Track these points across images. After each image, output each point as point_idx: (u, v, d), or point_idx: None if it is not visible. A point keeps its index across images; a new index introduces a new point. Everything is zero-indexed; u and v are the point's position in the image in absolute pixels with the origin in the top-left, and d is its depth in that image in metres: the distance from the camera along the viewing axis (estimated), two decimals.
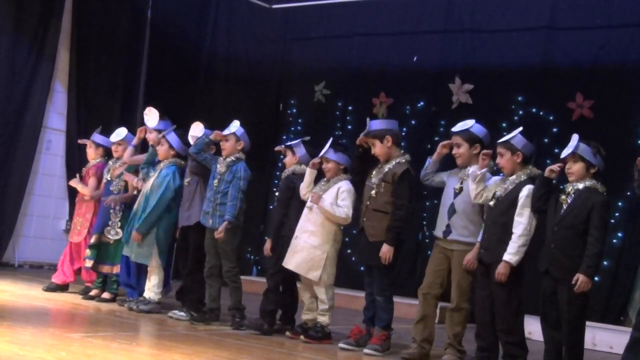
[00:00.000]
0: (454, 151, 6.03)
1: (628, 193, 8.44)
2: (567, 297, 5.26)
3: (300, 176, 6.65)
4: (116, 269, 7.60)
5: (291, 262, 6.41)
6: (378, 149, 6.19)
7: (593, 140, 5.45)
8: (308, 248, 6.37)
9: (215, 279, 6.92)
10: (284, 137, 11.02)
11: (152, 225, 7.14)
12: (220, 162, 6.92)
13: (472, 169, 5.80)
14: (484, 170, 5.72)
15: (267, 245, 6.76)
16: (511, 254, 5.47)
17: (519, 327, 5.66)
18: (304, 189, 6.55)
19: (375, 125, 6.29)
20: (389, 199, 6.07)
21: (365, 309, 6.34)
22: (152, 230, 7.15)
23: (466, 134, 5.98)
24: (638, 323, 5.06)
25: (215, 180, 6.85)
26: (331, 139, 6.56)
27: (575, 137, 5.42)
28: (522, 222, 5.50)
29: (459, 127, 6.06)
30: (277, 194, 6.75)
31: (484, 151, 5.77)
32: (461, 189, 5.94)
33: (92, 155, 8.17)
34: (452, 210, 5.92)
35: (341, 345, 6.14)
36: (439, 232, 6.01)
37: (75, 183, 8.06)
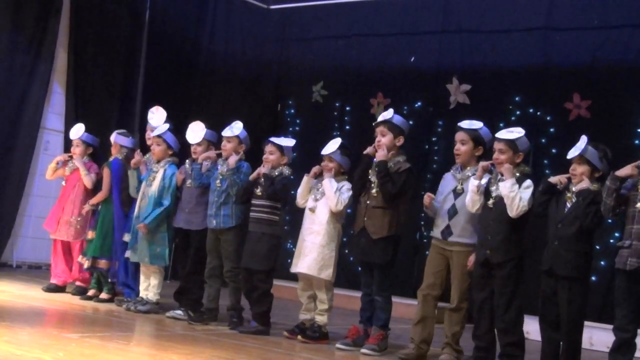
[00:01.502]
0: (457, 147, 5.98)
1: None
2: (568, 296, 5.28)
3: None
4: (102, 264, 7.60)
5: (302, 265, 6.40)
6: (387, 141, 6.14)
7: (599, 142, 5.47)
8: (317, 248, 6.35)
9: (216, 279, 6.91)
10: (281, 138, 11.01)
11: (159, 223, 7.14)
12: (221, 164, 6.90)
13: (470, 180, 5.77)
14: (485, 181, 5.70)
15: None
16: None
17: (520, 327, 5.67)
18: (301, 197, 6.55)
19: (397, 119, 6.24)
20: None
21: (362, 309, 6.33)
22: (163, 231, 7.15)
23: (474, 133, 5.95)
24: (627, 324, 5.05)
25: (217, 181, 6.82)
26: (340, 141, 6.54)
27: (584, 139, 5.42)
28: (523, 199, 5.49)
29: (467, 124, 6.02)
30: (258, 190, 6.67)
31: (484, 163, 5.72)
32: (463, 190, 5.91)
33: (80, 155, 8.10)
34: (453, 212, 5.89)
35: (338, 345, 6.14)
36: (437, 233, 5.98)
37: (79, 163, 7.97)
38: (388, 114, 6.27)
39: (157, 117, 7.57)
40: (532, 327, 6.77)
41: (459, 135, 5.98)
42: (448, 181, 6.06)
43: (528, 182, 5.59)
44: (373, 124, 6.31)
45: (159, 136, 7.32)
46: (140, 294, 7.23)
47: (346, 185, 6.41)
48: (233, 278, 6.81)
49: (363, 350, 5.99)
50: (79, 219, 7.97)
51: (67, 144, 10.25)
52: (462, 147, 5.95)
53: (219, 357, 5.25)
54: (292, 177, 6.71)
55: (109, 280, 7.65)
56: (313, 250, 6.37)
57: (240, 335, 6.33)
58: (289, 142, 6.84)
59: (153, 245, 7.13)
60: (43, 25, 10.04)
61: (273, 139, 6.81)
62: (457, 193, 5.92)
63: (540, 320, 5.50)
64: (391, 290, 6.23)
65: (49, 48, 10.12)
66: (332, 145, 6.48)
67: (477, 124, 6.01)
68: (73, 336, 5.46)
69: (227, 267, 6.82)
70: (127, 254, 7.35)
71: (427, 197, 6.01)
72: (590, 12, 9.16)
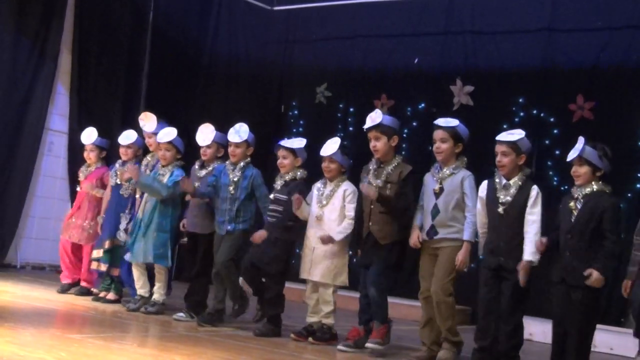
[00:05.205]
0: (437, 145, 5.95)
1: (629, 195, 8.45)
2: (580, 300, 5.24)
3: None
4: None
5: (315, 273, 6.36)
6: (382, 145, 6.10)
7: (598, 142, 5.47)
8: (329, 257, 6.32)
9: (222, 280, 6.87)
10: (285, 139, 11.01)
11: (160, 220, 7.16)
12: (230, 171, 6.85)
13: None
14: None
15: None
16: (533, 252, 5.47)
17: (522, 330, 5.67)
18: (302, 216, 6.50)
19: (387, 120, 6.17)
20: None
21: (360, 311, 6.26)
22: (166, 232, 7.14)
23: (453, 130, 5.94)
24: None
25: (231, 188, 6.75)
26: (339, 141, 6.46)
27: (581, 140, 5.41)
28: (536, 220, 5.52)
29: (444, 122, 6.00)
30: (280, 195, 6.60)
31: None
32: (441, 190, 5.90)
33: (94, 159, 8.12)
34: (435, 211, 5.88)
35: (340, 347, 6.10)
36: (423, 234, 5.95)
37: (91, 189, 7.95)
38: (377, 116, 6.17)
39: (149, 123, 7.52)
40: (536, 329, 6.79)
41: (439, 134, 5.96)
42: (429, 182, 6.04)
43: (535, 189, 5.58)
44: (364, 129, 6.20)
45: (169, 142, 7.26)
46: (138, 292, 7.20)
47: (349, 189, 6.36)
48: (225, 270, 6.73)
49: (368, 345, 5.93)
50: (92, 223, 7.95)
51: (71, 145, 10.30)
52: (442, 145, 5.93)
53: (221, 357, 5.25)
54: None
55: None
56: (325, 258, 6.32)
57: (243, 337, 6.32)
58: (300, 142, 6.73)
59: (157, 246, 7.11)
60: (47, 26, 10.07)
61: (283, 143, 6.71)
62: (437, 193, 5.91)
63: (553, 324, 5.47)
64: (386, 286, 6.11)
65: (52, 49, 10.15)
66: (332, 146, 6.41)
67: (453, 122, 6.00)
68: (76, 337, 5.46)
69: (222, 258, 6.70)
70: (127, 255, 7.35)
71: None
72: (594, 13, 9.15)
